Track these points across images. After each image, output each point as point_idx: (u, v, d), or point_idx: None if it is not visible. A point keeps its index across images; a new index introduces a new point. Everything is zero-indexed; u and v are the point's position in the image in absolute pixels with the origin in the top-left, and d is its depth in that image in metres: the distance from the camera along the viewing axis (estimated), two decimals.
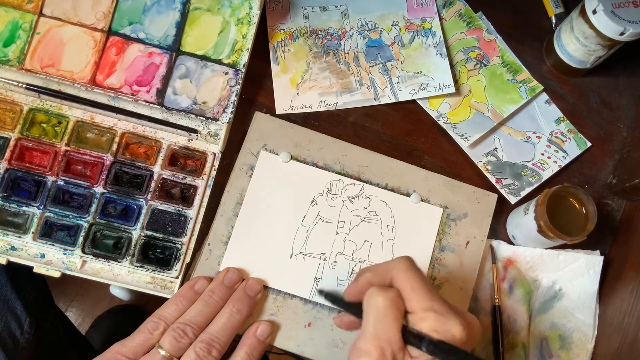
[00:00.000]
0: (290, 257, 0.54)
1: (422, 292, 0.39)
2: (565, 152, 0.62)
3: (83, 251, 0.52)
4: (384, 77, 0.62)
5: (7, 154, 0.53)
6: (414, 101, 0.62)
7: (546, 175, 0.61)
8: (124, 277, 0.52)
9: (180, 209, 0.54)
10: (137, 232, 0.53)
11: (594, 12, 0.56)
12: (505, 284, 0.58)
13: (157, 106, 0.55)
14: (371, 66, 0.62)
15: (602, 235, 0.61)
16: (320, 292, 0.48)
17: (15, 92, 0.54)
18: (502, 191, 0.60)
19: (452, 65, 0.63)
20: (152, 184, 0.54)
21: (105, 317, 1.11)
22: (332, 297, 0.47)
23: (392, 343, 0.38)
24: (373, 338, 0.39)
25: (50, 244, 0.51)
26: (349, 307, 0.44)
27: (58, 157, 0.53)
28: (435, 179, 0.58)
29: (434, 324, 0.38)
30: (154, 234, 0.53)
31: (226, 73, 0.56)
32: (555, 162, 0.62)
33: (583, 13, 0.57)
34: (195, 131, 0.55)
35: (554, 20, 0.66)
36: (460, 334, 0.38)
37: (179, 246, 0.53)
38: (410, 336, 0.38)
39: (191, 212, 0.54)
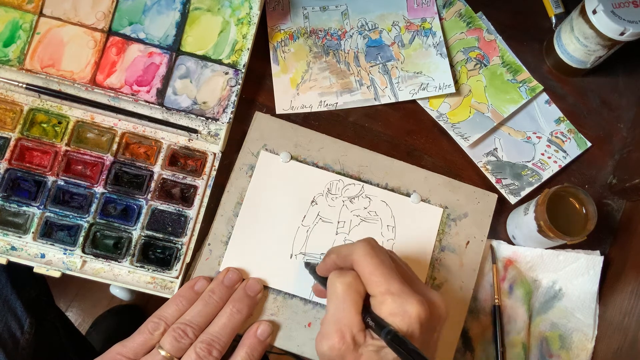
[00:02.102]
0: (290, 257, 0.54)
1: (378, 276, 0.40)
2: (565, 152, 0.62)
3: (83, 251, 0.52)
4: (384, 77, 0.62)
5: (7, 154, 0.53)
6: (414, 101, 0.62)
7: (546, 175, 0.61)
8: (124, 277, 0.52)
9: (181, 209, 0.54)
10: (137, 232, 0.53)
11: (594, 12, 0.56)
12: (505, 284, 0.58)
13: (157, 106, 0.55)
14: (371, 66, 0.62)
15: (602, 235, 0.61)
16: (306, 264, 0.51)
17: (16, 92, 0.54)
18: (502, 191, 0.60)
19: (452, 65, 0.63)
20: (152, 184, 0.54)
21: (105, 317, 1.11)
22: (312, 269, 0.49)
23: (351, 326, 0.39)
24: (333, 322, 0.40)
25: (51, 244, 0.51)
26: (323, 281, 0.46)
27: (58, 157, 0.53)
28: (435, 179, 0.58)
29: (391, 307, 0.39)
30: (154, 234, 0.53)
31: (226, 73, 0.56)
32: (555, 162, 0.62)
33: (583, 13, 0.58)
34: (195, 131, 0.55)
35: (554, 20, 0.66)
36: (418, 313, 0.38)
37: (179, 246, 0.53)
38: (371, 322, 0.39)
39: (191, 212, 0.54)
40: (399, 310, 0.38)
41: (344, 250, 0.43)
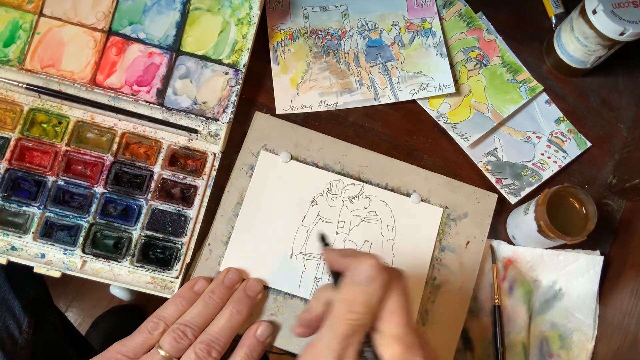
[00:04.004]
0: (290, 257, 0.54)
1: (399, 318, 0.37)
2: (565, 152, 0.62)
3: (83, 251, 0.52)
4: (384, 77, 0.62)
5: (8, 154, 0.53)
6: (414, 101, 0.62)
7: (546, 175, 0.61)
8: (124, 277, 0.52)
9: (181, 209, 0.54)
10: (137, 232, 0.53)
11: (594, 12, 0.56)
12: (505, 284, 0.58)
13: (157, 106, 0.55)
14: (371, 66, 0.62)
15: (602, 235, 0.60)
16: (322, 237, 0.46)
17: (16, 92, 0.54)
18: (502, 191, 0.60)
19: (452, 65, 0.63)
20: (152, 184, 0.54)
21: (105, 317, 1.11)
22: (325, 243, 0.45)
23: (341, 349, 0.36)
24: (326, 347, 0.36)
25: (51, 244, 0.51)
26: (332, 270, 0.42)
27: (58, 157, 0.53)
28: (435, 179, 0.58)
29: (397, 357, 0.36)
30: (154, 234, 0.53)
31: (226, 73, 0.56)
32: (555, 162, 0.62)
33: (583, 13, 0.58)
34: (195, 131, 0.55)
35: (554, 20, 0.66)
36: None
37: (179, 246, 0.53)
38: (370, 357, 0.36)
39: (191, 212, 0.54)
40: None
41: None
